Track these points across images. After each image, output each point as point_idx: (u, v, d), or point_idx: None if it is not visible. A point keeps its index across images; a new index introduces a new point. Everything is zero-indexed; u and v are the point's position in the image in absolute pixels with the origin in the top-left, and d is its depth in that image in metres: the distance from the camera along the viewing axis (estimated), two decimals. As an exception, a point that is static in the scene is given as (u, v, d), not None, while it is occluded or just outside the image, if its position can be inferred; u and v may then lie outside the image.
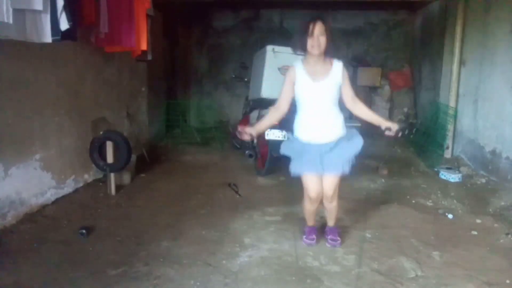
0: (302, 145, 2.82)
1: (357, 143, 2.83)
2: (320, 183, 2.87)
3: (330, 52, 2.74)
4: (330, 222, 3.13)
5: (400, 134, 2.70)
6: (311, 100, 2.77)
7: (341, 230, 3.27)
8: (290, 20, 7.83)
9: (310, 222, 3.12)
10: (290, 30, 7.61)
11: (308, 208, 3.02)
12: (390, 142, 6.38)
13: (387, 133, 2.73)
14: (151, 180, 4.61)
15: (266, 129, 2.92)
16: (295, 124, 2.90)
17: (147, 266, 2.72)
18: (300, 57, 2.83)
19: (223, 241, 3.10)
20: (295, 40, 2.75)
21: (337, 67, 2.77)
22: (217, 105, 7.84)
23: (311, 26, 2.62)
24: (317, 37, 2.62)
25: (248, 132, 2.76)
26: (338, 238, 3.06)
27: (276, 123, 2.99)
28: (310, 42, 2.64)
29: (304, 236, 3.10)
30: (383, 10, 7.73)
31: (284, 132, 4.32)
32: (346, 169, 2.82)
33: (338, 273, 2.68)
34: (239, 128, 2.78)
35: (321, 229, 3.22)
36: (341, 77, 2.76)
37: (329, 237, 3.08)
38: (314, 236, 3.08)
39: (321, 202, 3.00)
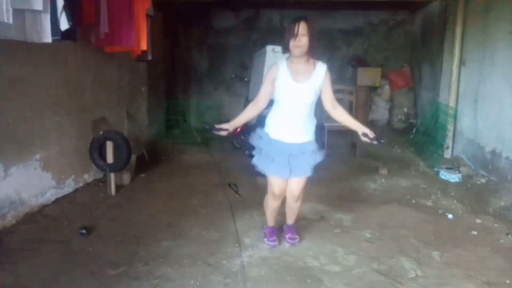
0: (270, 141, 2.81)
1: (318, 155, 2.86)
2: (285, 181, 2.87)
3: (314, 53, 2.74)
4: (290, 221, 3.13)
5: (375, 142, 2.71)
6: (289, 100, 2.76)
7: (340, 231, 3.27)
8: (290, 20, 7.83)
9: (271, 222, 3.11)
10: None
11: (271, 205, 3.00)
12: (390, 142, 6.39)
13: (363, 138, 2.74)
14: (151, 180, 4.61)
15: (242, 123, 2.96)
16: (267, 119, 2.89)
17: (147, 266, 2.72)
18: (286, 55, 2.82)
19: (223, 241, 3.10)
20: (283, 40, 2.74)
21: (320, 70, 2.75)
22: (217, 105, 7.85)
23: (294, 26, 2.63)
24: (299, 37, 2.62)
25: (224, 128, 2.76)
26: (296, 236, 3.09)
27: (253, 118, 2.99)
28: (292, 43, 2.65)
29: (265, 239, 3.09)
30: (383, 10, 7.72)
31: None
32: (310, 172, 2.83)
33: (338, 273, 2.69)
34: (215, 125, 2.79)
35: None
36: (322, 81, 2.75)
37: (287, 235, 3.10)
38: (275, 238, 3.07)
39: (283, 204, 3.00)
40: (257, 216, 3.57)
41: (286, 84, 2.73)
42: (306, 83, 2.72)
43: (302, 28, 2.62)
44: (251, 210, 3.70)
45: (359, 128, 2.78)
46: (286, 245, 3.06)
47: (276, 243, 3.05)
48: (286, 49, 2.73)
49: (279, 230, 3.17)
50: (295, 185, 2.86)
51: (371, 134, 2.71)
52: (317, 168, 2.87)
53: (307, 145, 2.83)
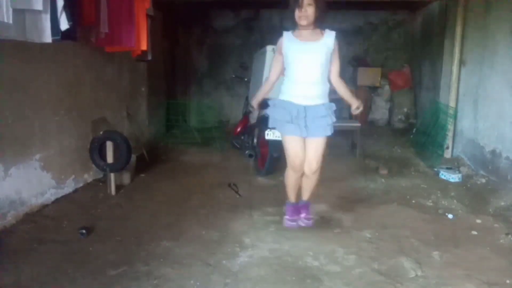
0: (283, 104, 2.87)
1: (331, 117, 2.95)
2: (303, 149, 2.91)
3: (321, 23, 2.80)
4: (305, 195, 3.13)
5: (358, 111, 2.93)
6: (299, 60, 2.80)
7: (340, 231, 3.28)
8: (290, 20, 7.82)
9: (292, 197, 3.12)
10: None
11: (290, 177, 3.03)
12: (390, 142, 6.39)
13: (354, 111, 2.91)
14: (151, 180, 4.61)
15: (264, 96, 3.11)
16: (281, 89, 2.96)
17: (147, 266, 2.72)
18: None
19: (223, 241, 3.10)
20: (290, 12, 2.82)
21: (329, 36, 2.81)
22: (217, 105, 7.85)
23: None
24: (305, 7, 2.67)
25: (253, 106, 3.04)
26: (311, 216, 3.11)
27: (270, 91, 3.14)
28: (298, 13, 2.70)
29: (286, 216, 3.10)
30: (383, 10, 7.73)
31: None
32: (328, 132, 2.90)
33: (338, 273, 2.68)
34: (253, 104, 3.08)
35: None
36: (332, 45, 2.80)
37: (302, 215, 3.09)
38: (296, 217, 3.09)
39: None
40: (257, 216, 3.57)
41: (293, 45, 2.79)
42: (314, 43, 2.77)
43: None
44: (251, 210, 3.69)
45: (353, 102, 2.92)
46: (301, 224, 3.08)
47: (295, 224, 3.07)
48: (293, 21, 2.79)
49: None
50: (313, 150, 2.90)
51: (360, 107, 2.88)
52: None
53: (321, 107, 2.86)
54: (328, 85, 2.92)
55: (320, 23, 2.77)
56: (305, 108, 2.82)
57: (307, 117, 2.82)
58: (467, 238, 3.23)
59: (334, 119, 2.93)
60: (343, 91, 2.98)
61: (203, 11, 7.89)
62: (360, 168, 5.17)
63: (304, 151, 2.92)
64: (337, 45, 2.83)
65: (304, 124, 2.82)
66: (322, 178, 4.39)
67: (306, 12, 2.67)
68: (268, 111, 3.01)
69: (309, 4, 2.66)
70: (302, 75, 2.81)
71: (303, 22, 2.70)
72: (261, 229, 3.31)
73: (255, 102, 3.07)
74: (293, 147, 2.90)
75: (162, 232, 3.23)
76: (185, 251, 2.93)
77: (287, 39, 2.82)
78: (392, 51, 7.92)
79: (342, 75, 2.98)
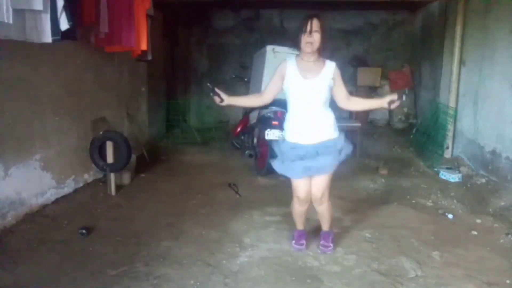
0: (288, 145, 2.78)
1: (347, 149, 2.82)
2: (309, 183, 2.83)
3: (325, 52, 2.73)
4: (324, 226, 3.04)
5: (404, 98, 2.68)
6: (300, 98, 2.73)
7: (340, 231, 3.27)
8: (290, 20, 7.82)
9: (299, 225, 3.05)
10: (290, 30, 7.61)
11: (297, 209, 2.95)
12: (390, 142, 6.39)
13: (393, 106, 2.70)
14: (151, 180, 4.61)
15: (238, 105, 2.94)
16: (285, 126, 2.87)
17: (147, 266, 2.72)
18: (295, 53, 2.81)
19: (223, 241, 3.10)
20: (294, 37, 2.74)
21: (330, 67, 2.74)
22: (217, 105, 7.83)
23: (307, 23, 2.62)
24: (312, 34, 2.61)
25: (221, 96, 2.79)
26: (330, 245, 2.99)
27: (251, 106, 2.97)
28: (304, 39, 2.63)
29: (293, 241, 3.04)
30: (383, 10, 7.73)
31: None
32: (332, 168, 2.79)
33: (338, 273, 2.69)
34: (216, 89, 2.81)
35: (313, 232, 3.20)
36: (332, 77, 2.73)
37: (321, 242, 3.01)
38: (303, 241, 3.02)
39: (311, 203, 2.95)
40: (257, 216, 3.58)
41: (295, 81, 2.71)
42: (315, 79, 2.69)
43: (315, 25, 2.61)
44: (251, 210, 3.70)
45: (383, 101, 2.74)
46: (318, 251, 2.98)
47: (303, 247, 2.99)
48: (298, 46, 2.70)
49: (310, 234, 3.14)
50: (317, 186, 2.81)
51: (395, 96, 2.68)
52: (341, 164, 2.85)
53: (327, 143, 2.75)
54: (332, 114, 2.81)
55: (324, 50, 2.71)
56: (307, 147, 2.72)
57: (310, 156, 2.72)
58: (467, 238, 3.23)
59: (344, 155, 2.79)
60: (363, 104, 2.91)
61: (203, 11, 7.88)
62: (360, 168, 5.17)
63: (310, 186, 2.84)
64: (338, 73, 2.76)
65: (307, 163, 2.72)
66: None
67: (312, 39, 2.61)
68: (276, 152, 2.92)
69: (316, 31, 2.61)
70: (305, 114, 2.73)
71: (308, 49, 2.64)
72: (261, 229, 3.32)
73: (229, 100, 2.84)
74: (298, 185, 2.83)
75: (162, 232, 3.23)
76: (185, 251, 2.93)
77: (290, 69, 2.72)
78: (392, 51, 7.91)
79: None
